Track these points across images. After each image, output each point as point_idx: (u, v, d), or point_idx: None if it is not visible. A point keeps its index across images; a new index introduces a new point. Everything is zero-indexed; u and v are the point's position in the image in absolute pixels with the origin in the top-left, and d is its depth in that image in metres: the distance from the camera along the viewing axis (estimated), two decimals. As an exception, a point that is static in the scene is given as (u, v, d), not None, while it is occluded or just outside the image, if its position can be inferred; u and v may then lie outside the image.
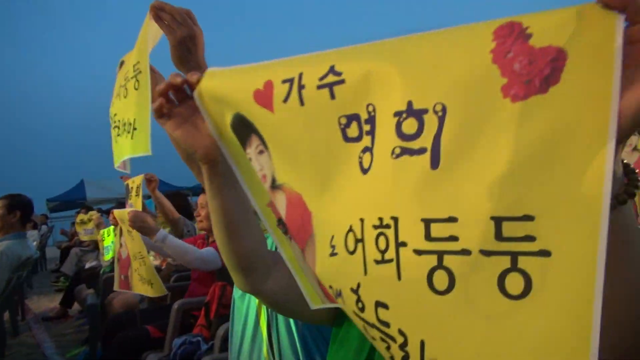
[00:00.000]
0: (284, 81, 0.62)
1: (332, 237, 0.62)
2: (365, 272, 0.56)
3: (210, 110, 0.73)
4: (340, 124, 0.59)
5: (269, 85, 0.64)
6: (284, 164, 0.67)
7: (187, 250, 2.49)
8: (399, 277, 0.52)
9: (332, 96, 0.58)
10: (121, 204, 4.51)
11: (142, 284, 2.52)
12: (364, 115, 0.57)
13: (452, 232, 0.48)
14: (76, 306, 5.53)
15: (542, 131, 0.44)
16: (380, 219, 0.54)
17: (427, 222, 0.50)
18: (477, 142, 0.47)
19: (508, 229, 0.45)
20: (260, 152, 0.69)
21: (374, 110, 0.56)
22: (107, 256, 4.21)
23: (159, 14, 1.15)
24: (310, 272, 0.72)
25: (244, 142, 0.71)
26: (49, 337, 4.83)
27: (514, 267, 0.45)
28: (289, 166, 0.67)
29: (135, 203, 2.97)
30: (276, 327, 1.28)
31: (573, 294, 0.42)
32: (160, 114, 0.74)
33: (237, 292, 1.46)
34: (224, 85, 0.70)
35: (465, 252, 0.47)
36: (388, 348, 0.56)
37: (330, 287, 0.64)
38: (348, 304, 0.61)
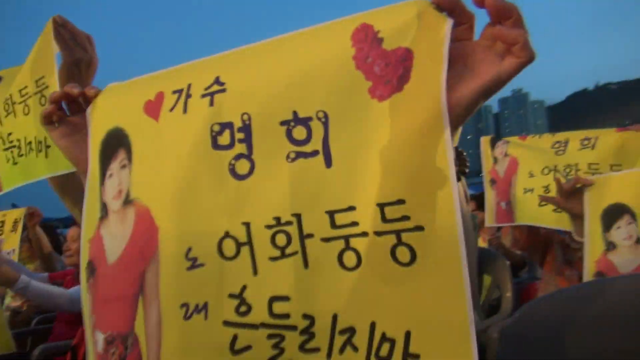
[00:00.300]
0: (174, 92, 0.66)
1: (189, 249, 0.62)
2: (256, 273, 0.60)
3: (94, 125, 0.73)
4: (212, 131, 0.62)
5: (159, 96, 0.67)
6: (142, 176, 0.68)
7: (53, 294, 2.26)
8: (306, 266, 0.58)
9: (211, 103, 0.63)
10: None
11: None
12: (237, 124, 0.61)
13: (353, 218, 0.56)
14: None
15: (403, 124, 0.54)
16: (277, 219, 0.59)
17: (331, 213, 0.57)
18: (358, 140, 0.56)
19: (390, 212, 0.54)
20: (123, 166, 0.70)
21: (249, 119, 0.61)
22: None
23: (60, 30, 1.13)
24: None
25: (109, 157, 0.71)
26: None
27: (399, 242, 0.55)
28: (146, 178, 0.68)
29: (11, 240, 2.64)
30: None
31: (446, 256, 0.53)
32: (49, 120, 0.74)
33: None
34: (117, 99, 0.72)
35: (365, 234, 0.56)
36: (278, 343, 0.59)
37: (185, 304, 0.62)
38: (218, 314, 0.61)
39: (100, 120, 0.73)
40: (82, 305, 0.73)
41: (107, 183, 0.71)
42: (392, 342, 0.55)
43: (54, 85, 1.16)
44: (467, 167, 0.62)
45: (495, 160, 2.47)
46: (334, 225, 0.57)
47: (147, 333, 0.64)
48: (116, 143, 0.70)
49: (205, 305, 0.61)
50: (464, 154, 0.61)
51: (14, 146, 1.27)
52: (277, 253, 0.59)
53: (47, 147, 1.20)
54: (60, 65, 1.14)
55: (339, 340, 0.57)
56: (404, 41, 0.54)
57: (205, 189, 0.62)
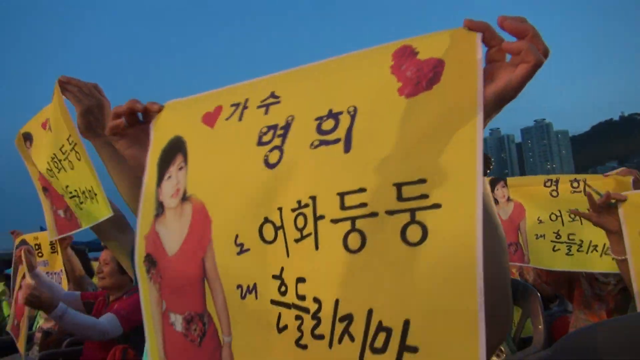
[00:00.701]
0: (232, 105, 0.74)
1: (237, 236, 0.69)
2: (288, 254, 0.64)
3: (156, 135, 0.81)
4: (260, 132, 0.69)
5: (218, 108, 0.76)
6: (197, 174, 0.76)
7: (87, 326, 2.33)
8: (317, 247, 0.60)
9: (266, 112, 0.70)
10: (5, 262, 4.10)
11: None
12: (281, 124, 0.68)
13: (362, 200, 0.58)
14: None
15: (429, 116, 0.58)
16: (299, 201, 0.63)
17: (342, 195, 0.60)
18: (381, 129, 0.60)
19: (407, 191, 0.56)
20: (180, 168, 0.77)
21: (292, 119, 0.67)
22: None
23: (66, 87, 1.26)
24: (160, 326, 0.78)
25: (169, 161, 0.79)
26: None
27: (412, 221, 0.55)
28: (200, 176, 0.75)
29: (53, 261, 2.72)
30: None
31: (460, 234, 0.52)
32: (114, 132, 0.82)
33: (146, 358, 1.39)
34: (178, 113, 0.80)
35: (374, 214, 0.57)
36: (300, 325, 0.62)
37: (239, 285, 0.68)
38: (266, 294, 0.66)
39: (161, 131, 0.81)
40: (144, 294, 0.80)
41: (165, 184, 0.79)
42: (389, 331, 0.53)
43: (79, 140, 1.36)
44: (490, 168, 0.65)
45: (496, 201, 2.55)
46: (343, 206, 0.59)
47: (218, 311, 0.72)
48: (175, 149, 0.78)
49: (255, 286, 0.67)
50: (490, 157, 0.65)
51: (75, 195, 1.48)
52: (298, 235, 0.63)
53: (95, 194, 1.41)
54: (76, 117, 1.28)
55: (339, 328, 0.57)
56: (437, 53, 0.59)
57: (246, 181, 0.68)
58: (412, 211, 0.55)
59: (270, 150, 0.67)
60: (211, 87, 0.81)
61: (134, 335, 2.45)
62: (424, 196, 0.55)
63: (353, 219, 0.58)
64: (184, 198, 0.76)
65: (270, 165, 0.66)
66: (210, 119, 0.76)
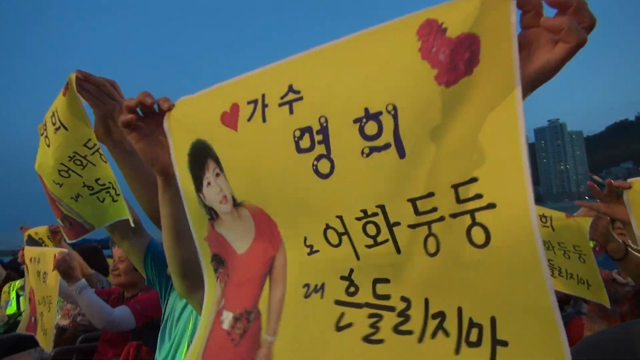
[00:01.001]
0: (249, 102, 0.71)
1: (305, 238, 0.69)
2: (358, 258, 0.65)
3: (175, 138, 0.79)
4: (294, 136, 0.67)
5: (234, 107, 0.72)
6: (240, 182, 0.74)
7: (101, 308, 2.35)
8: (399, 252, 0.61)
9: (291, 112, 0.67)
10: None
11: (41, 331, 2.34)
12: (315, 127, 0.65)
13: (433, 204, 0.58)
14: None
15: (474, 106, 0.54)
16: (364, 211, 0.63)
17: (413, 201, 0.59)
18: (428, 128, 0.57)
19: (463, 192, 0.55)
20: (217, 175, 0.76)
21: (326, 121, 0.64)
22: (8, 310, 3.82)
23: (83, 84, 1.11)
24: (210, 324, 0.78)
25: (201, 167, 0.78)
26: None
27: (474, 223, 0.55)
28: (245, 183, 0.74)
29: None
30: None
31: (519, 233, 0.51)
32: (127, 125, 0.80)
33: (160, 354, 1.41)
34: (193, 112, 0.78)
35: (442, 218, 0.57)
36: (376, 322, 0.62)
37: (307, 285, 0.70)
38: (332, 294, 0.67)
39: (179, 133, 0.79)
40: (210, 292, 0.81)
41: (207, 190, 0.78)
42: (480, 327, 0.55)
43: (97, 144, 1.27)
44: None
45: None
46: (417, 212, 0.59)
47: (270, 308, 0.72)
48: (203, 154, 0.76)
49: (323, 286, 0.68)
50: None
51: (108, 187, 1.41)
52: (371, 241, 0.63)
53: (117, 194, 1.37)
54: (94, 121, 1.16)
55: (432, 324, 0.59)
56: (468, 27, 0.54)
57: (300, 189, 0.67)
58: (472, 213, 0.55)
59: (317, 159, 0.65)
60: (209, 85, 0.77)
61: (147, 331, 2.47)
62: (479, 196, 0.54)
63: (429, 224, 0.59)
64: (236, 204, 0.75)
65: (322, 176, 0.65)
66: (230, 120, 0.73)
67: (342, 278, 0.66)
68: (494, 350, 0.54)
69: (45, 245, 3.08)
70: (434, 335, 0.58)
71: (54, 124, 1.33)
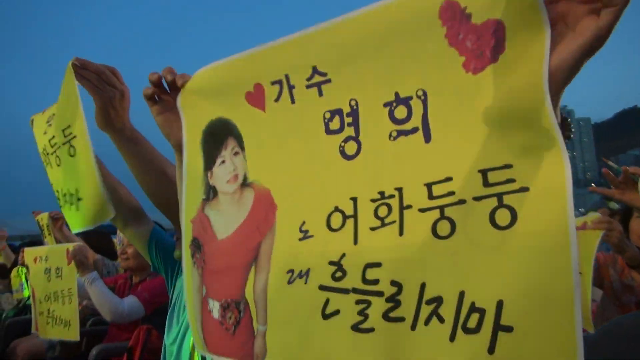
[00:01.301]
0: (273, 83, 0.71)
1: (303, 222, 0.69)
2: (356, 242, 0.65)
3: (189, 114, 0.80)
4: (324, 118, 0.68)
5: (258, 87, 0.73)
6: (259, 161, 0.75)
7: (109, 300, 2.38)
8: (401, 233, 0.61)
9: (320, 94, 0.68)
10: (34, 243, 4.19)
11: (54, 326, 2.35)
12: (346, 109, 0.66)
13: (450, 188, 0.59)
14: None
15: (502, 93, 0.54)
16: (382, 192, 0.63)
17: (429, 185, 0.60)
18: (456, 114, 0.58)
19: (493, 176, 0.56)
20: (236, 153, 0.77)
21: (356, 104, 0.65)
22: (26, 292, 3.85)
23: (82, 72, 1.06)
24: (198, 305, 0.78)
25: (219, 145, 0.78)
26: None
27: (500, 205, 0.55)
28: (264, 163, 0.74)
29: (50, 242, 2.76)
30: None
31: (551, 216, 0.51)
32: (148, 98, 0.83)
33: (168, 338, 1.41)
34: (212, 89, 0.78)
35: (462, 201, 0.58)
36: (364, 309, 0.62)
37: (291, 270, 0.69)
38: (316, 279, 0.67)
39: (194, 110, 0.80)
40: (188, 279, 0.80)
41: (219, 168, 0.78)
42: (482, 312, 0.54)
43: (82, 133, 1.12)
44: (572, 132, 0.60)
45: None
46: (430, 196, 0.59)
47: (255, 298, 0.72)
48: (224, 132, 0.77)
49: (307, 271, 0.68)
50: (569, 119, 0.61)
51: (58, 198, 1.27)
52: (378, 223, 0.63)
53: (79, 200, 1.19)
54: (94, 109, 1.10)
55: (425, 310, 0.58)
56: (493, 13, 0.54)
57: (319, 170, 0.68)
58: (499, 195, 0.55)
59: (345, 141, 0.66)
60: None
61: (155, 316, 2.48)
62: (511, 180, 0.55)
63: (442, 208, 0.59)
64: (245, 184, 0.75)
65: (348, 157, 0.66)
66: (255, 100, 0.74)
67: (331, 263, 0.66)
68: (495, 336, 0.53)
69: (44, 233, 3.08)
70: (427, 321, 0.58)
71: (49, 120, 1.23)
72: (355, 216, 0.65)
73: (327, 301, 0.65)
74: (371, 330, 0.61)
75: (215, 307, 0.76)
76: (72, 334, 2.25)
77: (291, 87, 0.70)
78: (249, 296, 0.73)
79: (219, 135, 0.78)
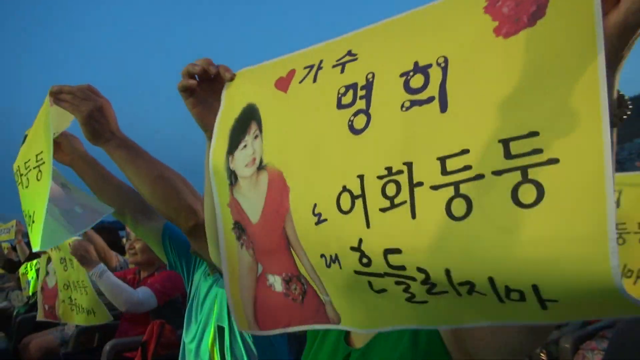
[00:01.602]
0: (306, 67, 0.70)
1: (315, 205, 0.65)
2: (368, 225, 0.59)
3: (226, 104, 0.80)
4: (338, 93, 0.65)
5: (291, 72, 0.72)
6: (273, 143, 0.73)
7: (122, 290, 2.38)
8: (413, 216, 0.55)
9: (342, 71, 0.65)
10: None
11: (78, 313, 2.38)
12: (361, 83, 0.62)
13: (466, 162, 0.52)
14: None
15: (534, 57, 0.50)
16: (389, 168, 0.58)
17: (443, 159, 0.54)
18: (478, 80, 0.53)
19: (516, 147, 0.49)
20: (256, 136, 0.75)
21: (372, 76, 0.62)
22: (31, 290, 3.90)
23: (59, 97, 1.15)
24: (248, 291, 0.77)
25: (244, 130, 0.77)
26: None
27: (524, 180, 0.49)
28: (277, 144, 0.72)
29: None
30: None
31: (586, 192, 0.45)
32: (184, 89, 0.82)
33: (187, 336, 1.42)
34: (249, 80, 0.78)
35: (479, 176, 0.51)
36: (407, 288, 0.59)
37: (322, 255, 0.66)
38: (348, 265, 0.62)
39: (233, 99, 0.80)
40: (230, 261, 0.79)
41: (240, 153, 0.77)
42: (521, 292, 0.50)
43: (49, 161, 1.16)
44: (627, 112, 0.52)
45: None
46: (444, 171, 0.54)
47: (309, 275, 0.70)
48: (248, 117, 0.77)
49: (337, 257, 0.64)
50: (626, 97, 0.54)
51: (24, 216, 1.31)
52: (387, 204, 0.57)
53: (33, 222, 1.23)
54: (80, 127, 1.17)
55: (463, 289, 0.54)
56: None
57: (327, 148, 0.65)
58: (524, 169, 0.49)
59: (355, 115, 0.62)
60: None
61: (165, 309, 2.50)
62: (537, 151, 0.48)
63: (456, 184, 0.53)
64: (260, 167, 0.74)
65: (356, 131, 0.61)
66: (283, 83, 0.72)
67: (352, 249, 0.61)
68: (543, 304, 0.50)
69: None
70: (470, 294, 0.54)
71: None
72: (363, 196, 0.60)
73: (370, 283, 0.62)
74: (425, 302, 0.59)
75: (277, 281, 0.75)
76: (100, 319, 2.32)
77: (319, 69, 0.69)
78: (304, 273, 0.71)
79: (245, 121, 0.77)
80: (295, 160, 0.69)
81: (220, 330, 1.34)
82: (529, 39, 0.50)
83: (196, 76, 0.82)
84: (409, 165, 0.56)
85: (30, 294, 3.96)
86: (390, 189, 0.57)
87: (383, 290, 0.61)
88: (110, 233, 3.91)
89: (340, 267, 0.63)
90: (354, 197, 0.60)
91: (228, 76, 0.80)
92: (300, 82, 0.70)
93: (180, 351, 1.43)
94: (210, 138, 0.83)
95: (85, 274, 2.34)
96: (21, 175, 1.30)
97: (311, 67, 0.69)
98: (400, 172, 0.57)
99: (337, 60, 0.66)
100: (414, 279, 0.57)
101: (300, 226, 0.68)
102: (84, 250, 2.30)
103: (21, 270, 4.24)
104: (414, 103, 0.57)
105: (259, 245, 0.76)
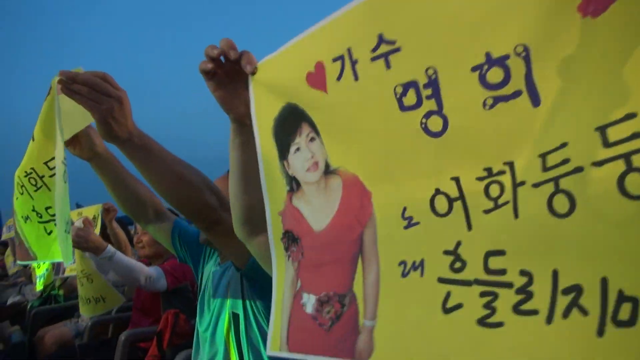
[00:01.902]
0: (335, 59, 0.65)
1: (404, 209, 0.63)
2: (470, 227, 0.57)
3: (259, 104, 0.77)
4: (396, 93, 0.60)
5: (319, 66, 0.67)
6: (338, 146, 0.69)
7: (134, 267, 2.39)
8: (516, 215, 0.53)
9: (388, 66, 0.60)
10: None
11: (88, 304, 2.43)
12: (422, 80, 0.58)
13: (565, 155, 0.50)
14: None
15: (626, 34, 0.45)
16: (488, 169, 0.55)
17: (544, 156, 0.51)
18: (569, 66, 0.49)
19: (614, 133, 0.46)
20: (312, 139, 0.72)
21: (435, 73, 0.57)
22: (39, 286, 3.95)
23: (72, 87, 0.96)
24: (288, 308, 0.74)
25: (292, 132, 0.74)
26: (-34, 383, 4.38)
27: (630, 168, 0.45)
28: (343, 148, 0.68)
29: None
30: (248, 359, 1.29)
31: None
32: (206, 73, 0.79)
33: (201, 325, 1.44)
34: (277, 75, 0.74)
35: (578, 169, 0.49)
36: (491, 302, 0.55)
37: (403, 262, 0.63)
38: (434, 271, 0.60)
39: (264, 98, 0.76)
40: (279, 272, 0.77)
41: (294, 157, 0.74)
42: (635, 301, 0.45)
43: (60, 155, 1.10)
44: None
45: None
46: (544, 167, 0.51)
47: (365, 291, 0.66)
48: (295, 118, 0.73)
49: (422, 262, 0.61)
50: None
51: (52, 220, 1.25)
52: (491, 205, 0.55)
53: (49, 233, 1.23)
54: (95, 124, 1.01)
55: (563, 301, 0.49)
56: None
57: (405, 151, 0.61)
58: (627, 156, 0.45)
59: (426, 117, 0.58)
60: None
61: (175, 299, 2.53)
62: (637, 135, 0.45)
63: (556, 180, 0.50)
64: (328, 171, 0.71)
65: (434, 134, 0.58)
66: (316, 81, 0.68)
67: (446, 252, 0.58)
68: None
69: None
70: (566, 314, 0.49)
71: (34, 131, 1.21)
72: (462, 198, 0.57)
73: (448, 294, 0.58)
74: (500, 324, 0.54)
75: (310, 301, 0.72)
76: (112, 303, 2.37)
77: (354, 62, 0.63)
78: (358, 289, 0.67)
79: (290, 122, 0.73)
80: (372, 164, 0.66)
81: (234, 317, 1.34)
82: (617, 14, 0.46)
83: (222, 58, 0.77)
84: (511, 164, 0.54)
85: (42, 288, 4.01)
86: (494, 190, 0.55)
87: (456, 307, 0.57)
88: (121, 227, 3.94)
89: (422, 275, 0.61)
90: (451, 200, 0.58)
91: (249, 69, 0.76)
92: (338, 79, 0.65)
93: (195, 340, 1.45)
94: (234, 121, 0.82)
95: (88, 264, 2.36)
96: (42, 177, 1.23)
97: (341, 59, 0.64)
98: (501, 172, 0.54)
99: (372, 51, 0.61)
100: (510, 285, 0.53)
101: (383, 230, 0.65)
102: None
103: (33, 264, 4.30)
104: (497, 100, 0.53)
105: (313, 256, 0.73)
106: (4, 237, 5.74)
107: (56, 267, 3.75)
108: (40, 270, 4.00)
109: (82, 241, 2.28)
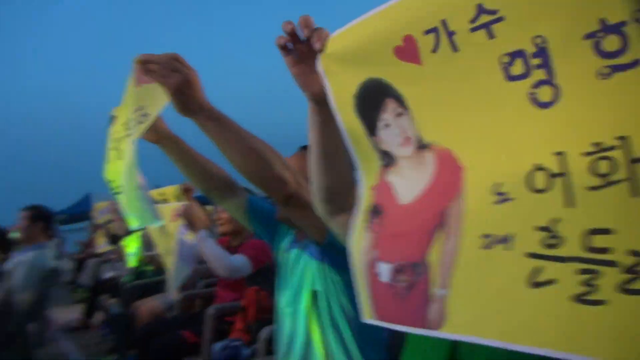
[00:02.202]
0: (427, 32, 0.63)
1: (497, 184, 0.61)
2: (572, 204, 0.55)
3: (334, 81, 0.75)
4: (501, 63, 0.58)
5: (409, 39, 0.65)
6: (431, 120, 0.68)
7: (221, 256, 2.50)
8: (635, 194, 0.50)
9: (491, 35, 0.58)
10: None
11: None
12: (530, 49, 0.56)
13: None
14: (97, 316, 5.56)
15: None
16: (597, 144, 0.53)
17: None
18: None
19: None
20: (398, 114, 0.71)
21: (543, 41, 0.54)
22: (133, 262, 4.25)
23: (147, 67, 1.10)
24: (366, 281, 0.75)
25: (376, 108, 0.73)
26: (75, 348, 4.87)
27: None
28: (437, 121, 0.67)
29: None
30: (329, 334, 1.32)
31: None
32: (281, 47, 0.80)
33: (282, 301, 1.49)
34: (353, 50, 0.72)
35: None
36: (591, 279, 0.53)
37: (488, 235, 0.62)
38: (523, 246, 0.59)
39: (340, 75, 0.74)
40: (357, 242, 0.79)
41: (384, 133, 0.74)
42: None
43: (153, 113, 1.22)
44: None
45: None
46: None
47: (441, 260, 0.66)
48: (379, 94, 0.72)
49: (510, 237, 0.60)
50: None
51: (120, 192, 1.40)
52: (598, 182, 0.52)
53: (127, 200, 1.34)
54: (169, 97, 1.13)
55: None
56: None
57: (506, 123, 0.60)
58: None
59: (536, 86, 0.56)
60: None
61: (259, 276, 2.64)
62: None
63: None
64: (421, 146, 0.70)
65: (542, 105, 0.56)
66: (408, 54, 0.66)
67: (541, 229, 0.57)
68: None
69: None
70: None
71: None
72: (566, 174, 0.55)
73: (539, 269, 0.57)
74: (602, 302, 0.51)
75: (384, 270, 0.74)
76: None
77: (450, 34, 0.61)
78: (432, 259, 0.67)
79: (374, 98, 0.72)
80: (467, 138, 0.64)
81: (314, 294, 1.37)
82: None
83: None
84: (624, 139, 0.51)
85: (134, 265, 4.31)
86: (603, 166, 0.52)
87: (548, 282, 0.56)
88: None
89: (508, 248, 0.60)
90: (552, 175, 0.56)
91: (318, 46, 0.75)
92: (434, 51, 0.63)
93: (276, 315, 1.51)
94: (311, 99, 0.82)
95: (174, 240, 2.53)
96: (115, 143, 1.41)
97: (435, 31, 0.62)
98: (612, 147, 0.52)
99: (470, 22, 0.58)
100: (614, 264, 0.51)
101: (472, 206, 0.64)
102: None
103: (123, 243, 4.62)
104: (615, 69, 0.50)
105: (392, 227, 0.74)
106: (98, 221, 6.21)
107: (146, 244, 4.02)
108: (132, 248, 4.31)
109: (189, 214, 2.44)
